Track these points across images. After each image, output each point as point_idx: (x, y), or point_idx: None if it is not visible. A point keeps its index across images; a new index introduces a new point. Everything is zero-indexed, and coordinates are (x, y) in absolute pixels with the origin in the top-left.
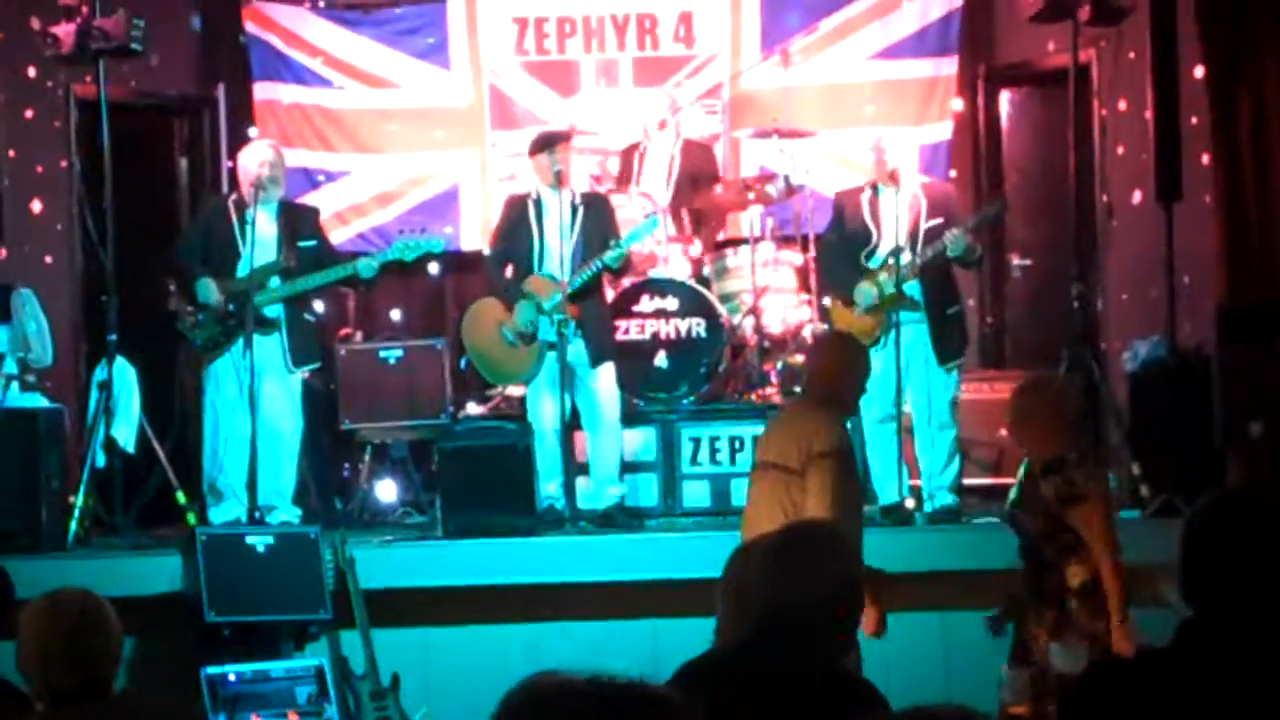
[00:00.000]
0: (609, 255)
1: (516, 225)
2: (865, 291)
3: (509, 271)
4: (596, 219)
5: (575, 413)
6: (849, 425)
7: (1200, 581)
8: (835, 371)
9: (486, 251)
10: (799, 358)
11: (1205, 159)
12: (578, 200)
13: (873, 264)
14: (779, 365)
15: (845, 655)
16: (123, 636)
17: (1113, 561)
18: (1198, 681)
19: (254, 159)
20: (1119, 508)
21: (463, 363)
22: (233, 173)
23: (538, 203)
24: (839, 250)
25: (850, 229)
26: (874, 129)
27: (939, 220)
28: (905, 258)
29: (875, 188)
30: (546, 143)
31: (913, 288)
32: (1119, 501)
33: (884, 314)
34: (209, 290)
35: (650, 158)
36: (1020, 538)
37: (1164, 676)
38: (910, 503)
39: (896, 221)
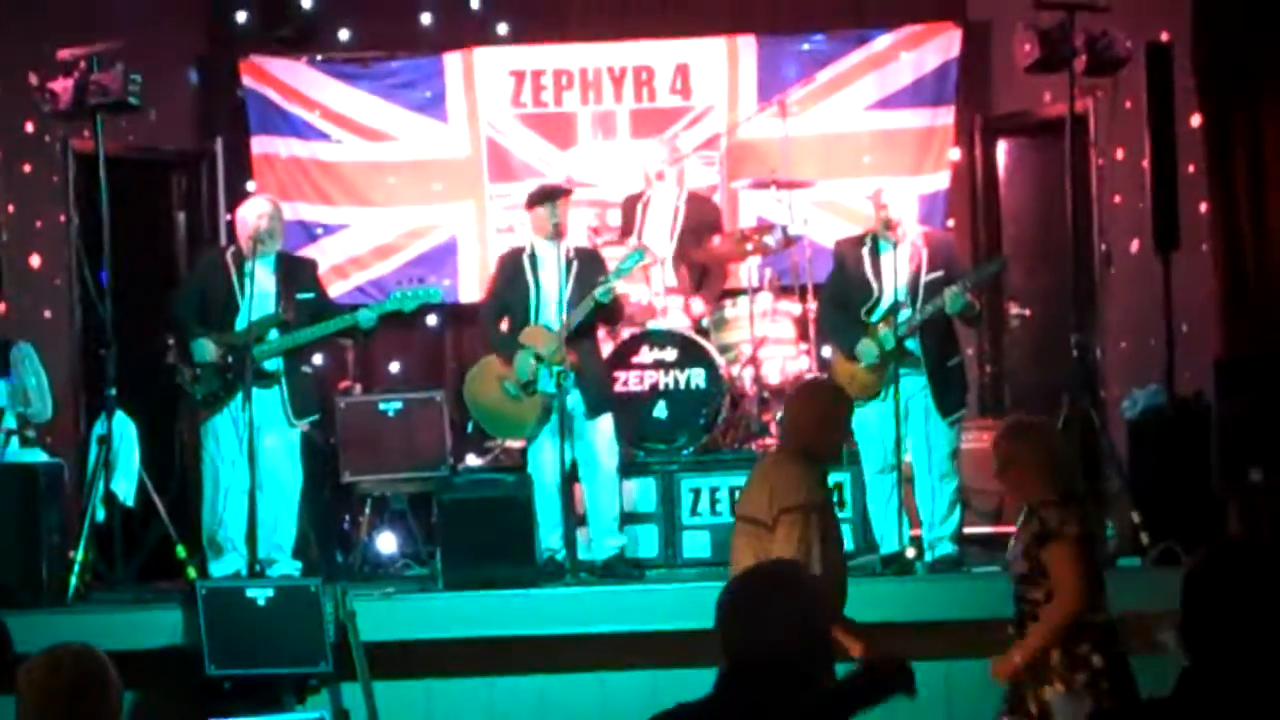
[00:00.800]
0: (599, 290)
1: (511, 280)
2: (867, 349)
3: (504, 325)
4: (589, 273)
5: (575, 464)
6: (848, 476)
7: (1200, 630)
8: (809, 422)
9: (481, 306)
10: None
11: (1203, 208)
12: (571, 254)
13: (873, 319)
14: (778, 416)
15: (811, 698)
16: (123, 692)
17: (1062, 604)
18: None
19: (253, 212)
20: (1115, 555)
21: (469, 427)
22: (231, 226)
23: (532, 256)
24: (839, 304)
25: (851, 281)
26: (872, 179)
27: (939, 273)
28: (904, 313)
29: (875, 240)
30: (545, 196)
31: (912, 342)
32: (1118, 549)
33: (885, 368)
34: (205, 350)
35: (653, 208)
36: (1012, 584)
37: None
38: (911, 552)
39: (896, 275)
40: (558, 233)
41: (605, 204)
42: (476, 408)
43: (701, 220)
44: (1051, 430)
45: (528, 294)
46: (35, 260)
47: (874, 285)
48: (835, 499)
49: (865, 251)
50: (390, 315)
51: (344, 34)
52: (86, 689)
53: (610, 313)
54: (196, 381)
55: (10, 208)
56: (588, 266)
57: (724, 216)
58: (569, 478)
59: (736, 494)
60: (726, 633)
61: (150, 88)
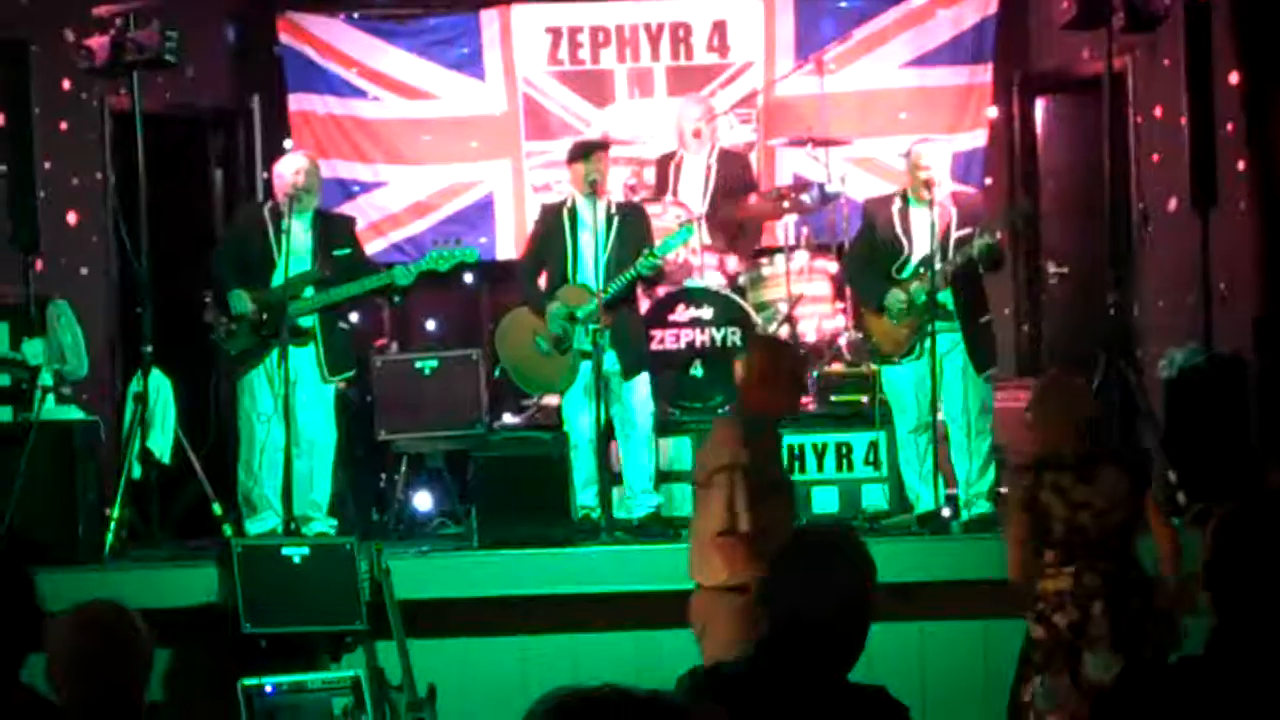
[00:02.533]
0: (642, 263)
1: (551, 234)
2: (895, 298)
3: (543, 281)
4: (633, 228)
5: (611, 422)
6: (882, 436)
7: (1226, 587)
8: (746, 379)
9: (520, 260)
10: (836, 366)
11: (1241, 165)
12: (614, 209)
13: (904, 275)
14: (814, 374)
15: (851, 665)
16: (153, 649)
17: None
18: (1230, 689)
19: (290, 168)
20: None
21: (496, 372)
22: (267, 184)
23: (573, 211)
24: (866, 261)
25: (881, 240)
26: (908, 137)
27: (969, 230)
28: (936, 266)
29: (905, 198)
30: (584, 151)
31: (945, 296)
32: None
33: (917, 323)
34: (242, 301)
35: (687, 167)
36: None
37: (1196, 683)
38: (946, 511)
39: (933, 229)
40: (594, 189)
41: (642, 161)
42: (506, 357)
43: (735, 178)
44: (1061, 389)
45: (565, 251)
46: (72, 218)
47: (904, 242)
48: (783, 457)
49: (895, 210)
50: (426, 274)
51: None
52: (115, 647)
53: (650, 280)
54: (231, 336)
55: (47, 165)
56: (631, 222)
57: (758, 174)
58: (604, 436)
59: None
60: (775, 597)
61: (187, 45)
